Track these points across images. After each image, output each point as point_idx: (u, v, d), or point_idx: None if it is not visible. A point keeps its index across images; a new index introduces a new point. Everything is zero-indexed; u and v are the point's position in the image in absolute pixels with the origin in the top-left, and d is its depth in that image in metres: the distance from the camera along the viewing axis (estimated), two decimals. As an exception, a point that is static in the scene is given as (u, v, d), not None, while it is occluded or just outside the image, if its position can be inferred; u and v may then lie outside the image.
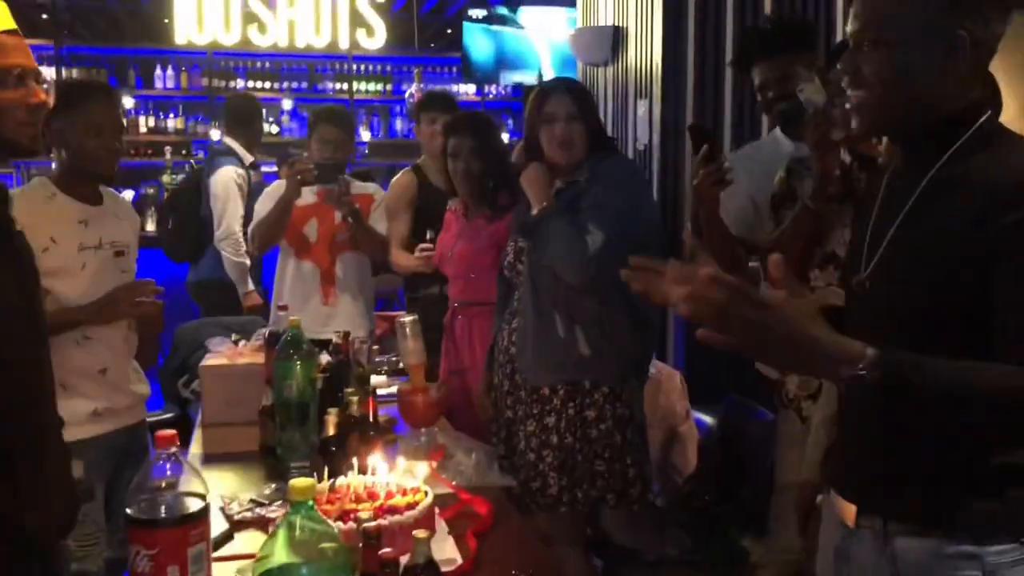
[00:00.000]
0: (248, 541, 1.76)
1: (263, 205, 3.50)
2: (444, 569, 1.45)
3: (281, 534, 1.12)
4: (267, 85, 8.14)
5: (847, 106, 1.35)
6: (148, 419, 2.68)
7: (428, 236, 3.28)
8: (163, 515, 1.22)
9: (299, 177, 3.32)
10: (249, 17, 7.19)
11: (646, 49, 4.34)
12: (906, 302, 1.29)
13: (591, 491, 2.40)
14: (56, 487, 1.60)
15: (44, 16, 8.30)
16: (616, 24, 4.71)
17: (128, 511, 1.23)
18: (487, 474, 2.14)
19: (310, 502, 1.10)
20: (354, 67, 8.22)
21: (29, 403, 1.54)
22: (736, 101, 4.06)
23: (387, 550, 1.34)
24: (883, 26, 1.28)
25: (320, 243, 3.49)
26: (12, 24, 1.70)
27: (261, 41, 7.24)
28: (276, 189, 3.52)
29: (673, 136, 4.19)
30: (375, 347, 3.14)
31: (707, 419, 3.13)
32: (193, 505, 1.24)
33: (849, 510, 1.38)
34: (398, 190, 3.70)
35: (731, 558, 2.74)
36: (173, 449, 1.25)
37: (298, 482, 1.10)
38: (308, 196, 3.45)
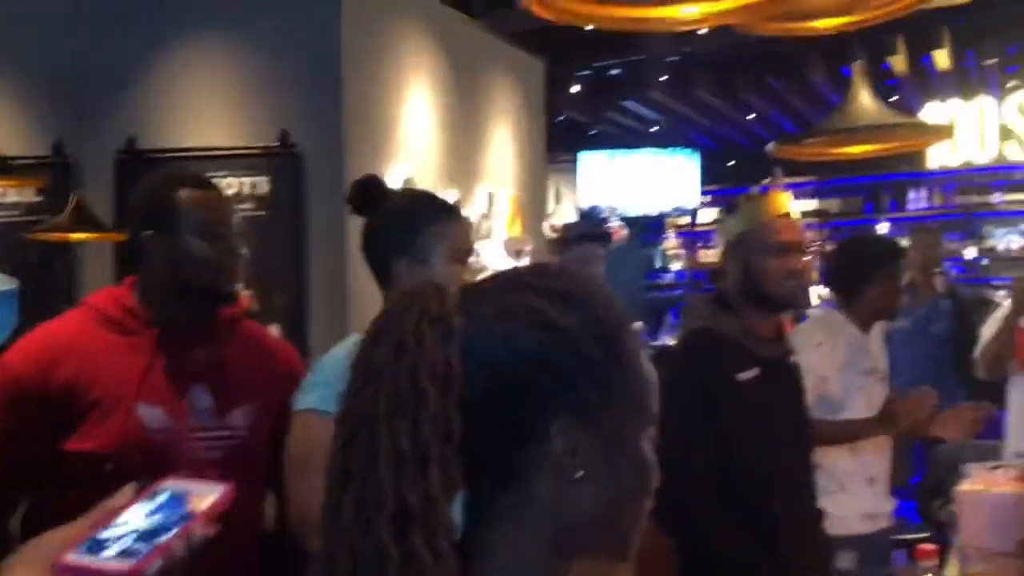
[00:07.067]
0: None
1: (989, 327, 3.53)
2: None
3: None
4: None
5: None
6: (905, 536, 2.87)
7: None
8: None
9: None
10: (1005, 133, 7.08)
11: None
12: None
13: None
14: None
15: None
16: None
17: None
18: None
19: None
20: None
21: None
22: None
23: None
24: None
25: None
26: (787, 209, 2.12)
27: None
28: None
29: None
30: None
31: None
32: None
33: None
34: None
35: None
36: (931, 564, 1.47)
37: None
38: None
